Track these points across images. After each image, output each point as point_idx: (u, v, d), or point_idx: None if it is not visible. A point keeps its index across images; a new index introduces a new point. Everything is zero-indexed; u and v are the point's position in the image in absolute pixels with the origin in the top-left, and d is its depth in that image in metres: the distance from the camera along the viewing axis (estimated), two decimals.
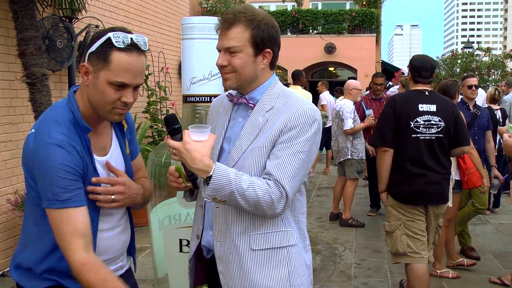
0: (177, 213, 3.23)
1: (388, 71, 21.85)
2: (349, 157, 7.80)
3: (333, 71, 29.56)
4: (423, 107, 4.42)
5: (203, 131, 2.12)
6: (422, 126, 4.38)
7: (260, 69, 2.31)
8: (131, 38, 2.08)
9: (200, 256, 2.48)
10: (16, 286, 2.28)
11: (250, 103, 2.33)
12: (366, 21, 23.78)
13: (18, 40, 5.40)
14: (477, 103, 6.26)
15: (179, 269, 2.68)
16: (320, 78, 24.74)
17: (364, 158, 8.22)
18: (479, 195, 5.91)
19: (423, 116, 4.39)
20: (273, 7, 25.94)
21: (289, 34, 23.74)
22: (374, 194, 8.65)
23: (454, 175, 5.36)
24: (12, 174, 5.84)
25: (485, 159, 6.10)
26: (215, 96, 2.83)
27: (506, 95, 10.31)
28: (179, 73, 11.40)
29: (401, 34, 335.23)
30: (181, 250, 3.08)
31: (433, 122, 4.39)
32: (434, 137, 4.39)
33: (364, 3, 25.23)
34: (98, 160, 2.22)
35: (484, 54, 16.23)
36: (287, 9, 24.75)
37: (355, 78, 21.27)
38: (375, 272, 5.90)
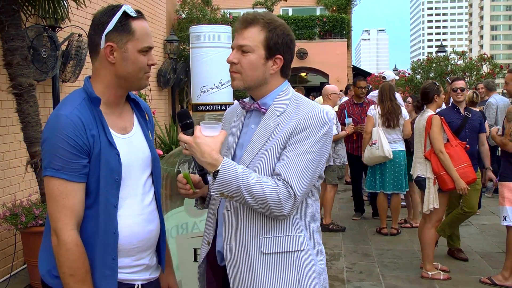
0: (184, 222, 3.21)
1: (360, 75, 22.04)
2: (331, 163, 7.84)
3: (305, 77, 29.70)
4: None
5: (213, 127, 2.16)
6: None
7: (269, 74, 2.33)
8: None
9: (213, 264, 2.45)
10: None
11: (262, 108, 2.34)
12: (337, 27, 23.98)
13: (4, 50, 5.30)
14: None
15: (193, 278, 2.66)
16: (292, 84, 24.65)
17: (346, 163, 8.34)
18: (468, 199, 5.83)
19: None
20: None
21: None
22: (358, 199, 8.76)
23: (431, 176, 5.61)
24: None
25: (480, 161, 6.20)
26: (225, 104, 2.84)
27: (486, 98, 10.24)
28: (158, 81, 11.36)
29: (368, 39, 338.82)
30: (195, 260, 3.06)
31: None
32: None
33: (334, 8, 25.45)
34: (119, 136, 2.25)
35: (459, 58, 16.35)
36: None
37: (327, 83, 21.48)
38: (367, 276, 5.94)
